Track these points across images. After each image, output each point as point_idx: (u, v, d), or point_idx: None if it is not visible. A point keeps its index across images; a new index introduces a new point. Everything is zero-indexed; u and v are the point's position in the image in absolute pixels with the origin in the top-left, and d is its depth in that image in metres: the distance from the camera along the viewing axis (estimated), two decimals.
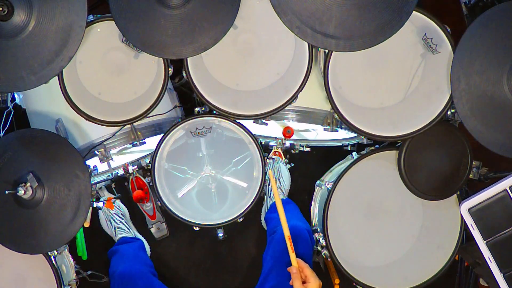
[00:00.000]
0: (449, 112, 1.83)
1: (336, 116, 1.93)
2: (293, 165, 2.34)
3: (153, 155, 1.98)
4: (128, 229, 2.29)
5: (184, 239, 2.42)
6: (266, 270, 1.86)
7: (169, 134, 1.97)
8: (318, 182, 2.19)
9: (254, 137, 1.99)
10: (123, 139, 1.98)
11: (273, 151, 2.27)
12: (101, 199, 2.27)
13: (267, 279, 1.83)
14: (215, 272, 2.41)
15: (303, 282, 1.51)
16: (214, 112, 1.93)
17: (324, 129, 2.00)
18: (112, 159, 2.00)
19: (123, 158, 2.20)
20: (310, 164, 2.47)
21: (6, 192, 1.69)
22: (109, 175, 2.20)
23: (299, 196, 2.39)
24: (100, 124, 1.87)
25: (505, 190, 1.71)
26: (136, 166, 2.18)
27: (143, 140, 1.99)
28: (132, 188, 2.22)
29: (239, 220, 2.04)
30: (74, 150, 1.80)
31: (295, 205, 2.20)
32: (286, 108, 1.91)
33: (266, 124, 2.02)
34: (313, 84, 1.95)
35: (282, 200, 2.21)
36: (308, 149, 2.27)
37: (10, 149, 1.76)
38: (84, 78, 1.85)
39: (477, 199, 1.74)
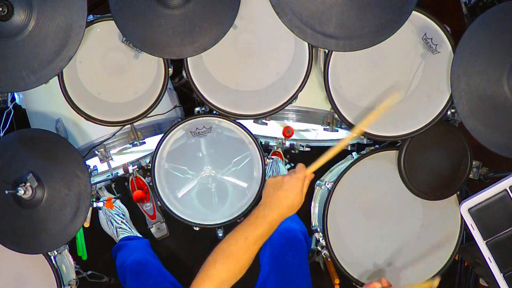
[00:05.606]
0: (449, 112, 1.83)
1: (336, 116, 1.93)
2: (293, 165, 2.34)
3: (153, 155, 1.98)
4: (129, 229, 2.29)
5: (184, 239, 2.41)
6: (263, 275, 1.86)
7: (169, 134, 1.97)
8: (318, 182, 2.19)
9: (254, 137, 1.99)
10: (123, 139, 1.98)
11: (272, 151, 2.27)
12: (101, 199, 2.27)
13: (265, 285, 1.83)
14: None
15: None
16: (214, 112, 1.93)
17: (324, 129, 2.00)
18: (112, 159, 2.00)
19: (123, 158, 2.20)
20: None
21: (6, 192, 1.69)
22: (109, 175, 2.19)
23: None
24: (100, 124, 1.87)
25: (505, 190, 1.71)
26: (136, 166, 2.18)
27: (143, 140, 1.99)
28: (132, 188, 2.22)
29: (239, 220, 2.04)
30: (74, 150, 1.80)
31: None
32: (286, 108, 1.91)
33: (266, 124, 2.02)
34: (313, 84, 1.95)
35: None
36: (308, 149, 2.27)
37: (10, 149, 1.76)
38: (84, 78, 1.85)
39: (477, 199, 1.73)
